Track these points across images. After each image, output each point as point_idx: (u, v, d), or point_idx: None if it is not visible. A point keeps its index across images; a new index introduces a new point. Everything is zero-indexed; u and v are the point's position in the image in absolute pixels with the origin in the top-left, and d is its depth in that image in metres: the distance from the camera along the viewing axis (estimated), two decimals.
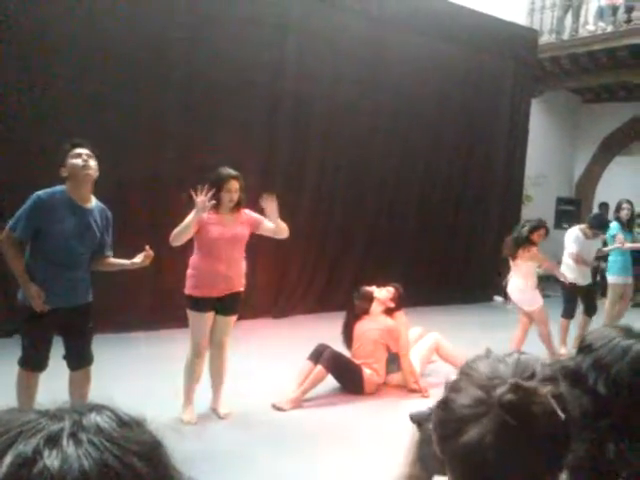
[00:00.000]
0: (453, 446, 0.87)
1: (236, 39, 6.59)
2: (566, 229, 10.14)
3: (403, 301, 5.11)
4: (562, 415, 0.85)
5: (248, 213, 4.11)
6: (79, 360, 3.40)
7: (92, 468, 0.46)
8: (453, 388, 0.91)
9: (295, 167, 7.38)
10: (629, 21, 9.00)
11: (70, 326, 3.33)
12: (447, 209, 8.99)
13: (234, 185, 3.92)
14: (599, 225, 6.23)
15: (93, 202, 3.36)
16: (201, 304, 3.92)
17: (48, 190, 3.22)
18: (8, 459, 0.45)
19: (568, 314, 6.30)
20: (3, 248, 3.21)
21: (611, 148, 11.53)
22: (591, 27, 9.60)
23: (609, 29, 9.27)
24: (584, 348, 1.25)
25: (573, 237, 6.26)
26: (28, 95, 5.48)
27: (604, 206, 10.36)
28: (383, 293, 5.02)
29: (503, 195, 9.67)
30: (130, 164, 5.94)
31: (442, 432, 0.90)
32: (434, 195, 8.83)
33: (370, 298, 5.00)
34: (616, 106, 11.10)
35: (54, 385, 3.10)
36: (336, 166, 7.70)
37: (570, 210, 10.33)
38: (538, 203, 10.51)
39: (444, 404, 0.91)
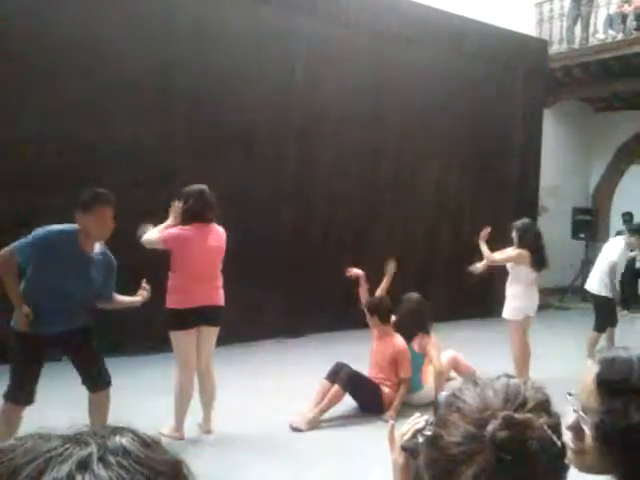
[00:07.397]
0: None
1: (243, 57, 6.60)
2: (583, 239, 10.02)
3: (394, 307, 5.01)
4: (559, 444, 0.80)
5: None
6: (95, 382, 3.39)
7: None
8: (442, 423, 0.83)
9: (305, 190, 7.34)
10: (639, 28, 8.96)
11: (70, 345, 3.33)
12: (460, 223, 8.88)
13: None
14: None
15: (97, 247, 3.34)
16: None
17: (58, 227, 3.21)
18: None
19: (601, 328, 6.24)
20: (2, 267, 3.14)
21: (626, 157, 11.38)
22: (601, 35, 9.56)
23: (619, 37, 9.23)
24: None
25: (620, 248, 6.34)
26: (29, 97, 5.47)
27: (628, 215, 9.92)
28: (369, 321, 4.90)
29: (518, 207, 9.54)
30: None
31: (434, 472, 0.82)
32: (446, 208, 8.74)
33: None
34: (629, 114, 10.97)
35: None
36: (345, 186, 7.63)
37: (587, 220, 10.17)
38: (554, 214, 10.38)
39: (433, 441, 0.83)
